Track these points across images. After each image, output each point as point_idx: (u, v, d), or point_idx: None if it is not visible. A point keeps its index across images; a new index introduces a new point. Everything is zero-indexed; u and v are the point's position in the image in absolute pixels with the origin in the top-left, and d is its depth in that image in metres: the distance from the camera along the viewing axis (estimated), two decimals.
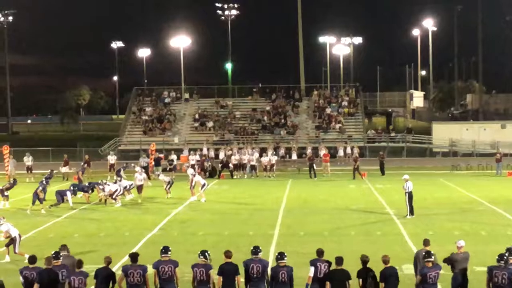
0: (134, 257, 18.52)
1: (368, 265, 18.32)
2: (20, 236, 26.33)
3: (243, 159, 56.46)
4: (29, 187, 46.32)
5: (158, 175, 47.16)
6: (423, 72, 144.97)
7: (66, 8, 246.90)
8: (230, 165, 55.86)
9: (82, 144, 75.10)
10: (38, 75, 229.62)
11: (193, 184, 41.52)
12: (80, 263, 18.31)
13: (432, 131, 74.46)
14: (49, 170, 44.27)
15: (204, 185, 41.24)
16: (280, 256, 18.29)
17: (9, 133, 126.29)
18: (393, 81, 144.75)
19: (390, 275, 18.06)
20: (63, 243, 21.04)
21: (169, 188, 43.17)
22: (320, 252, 18.66)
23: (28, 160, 55.82)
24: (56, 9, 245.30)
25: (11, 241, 26.16)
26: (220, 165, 56.50)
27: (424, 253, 18.62)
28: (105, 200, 40.32)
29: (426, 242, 19.87)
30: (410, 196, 34.15)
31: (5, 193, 39.93)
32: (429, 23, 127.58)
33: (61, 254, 19.09)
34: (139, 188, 42.02)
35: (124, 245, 28.02)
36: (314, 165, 54.68)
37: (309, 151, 59.99)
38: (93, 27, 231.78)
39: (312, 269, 18.31)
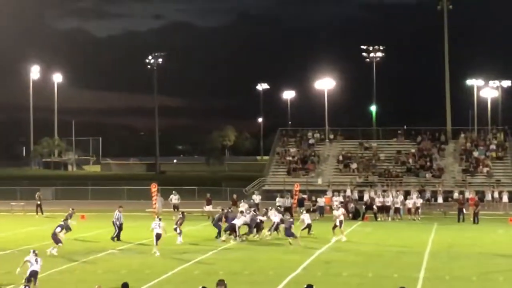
0: None
1: None
2: None
3: (386, 201, 55.83)
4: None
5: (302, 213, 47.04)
6: None
7: (212, 52, 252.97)
8: (374, 207, 55.37)
9: (226, 184, 76.21)
10: (185, 116, 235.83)
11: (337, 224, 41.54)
12: None
13: None
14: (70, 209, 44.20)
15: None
16: None
17: (157, 172, 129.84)
18: None
19: None
20: (208, 280, 21.24)
21: (308, 230, 43.08)
22: None
23: (175, 198, 57.03)
24: (203, 52, 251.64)
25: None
26: (364, 207, 56.07)
27: None
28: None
29: None
30: None
31: (178, 230, 40.69)
32: None
33: None
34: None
35: (268, 283, 28.13)
36: (464, 209, 53.46)
37: (458, 195, 58.85)
38: (239, 69, 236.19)
39: None
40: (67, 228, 39.61)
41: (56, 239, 36.29)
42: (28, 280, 24.45)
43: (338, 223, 41.84)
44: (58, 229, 36.49)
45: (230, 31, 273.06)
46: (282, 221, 41.86)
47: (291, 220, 41.19)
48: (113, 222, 42.06)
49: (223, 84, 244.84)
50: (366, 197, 59.85)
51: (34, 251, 27.33)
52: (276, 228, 42.38)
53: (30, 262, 26.53)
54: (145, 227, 44.29)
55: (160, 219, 38.70)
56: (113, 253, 36.93)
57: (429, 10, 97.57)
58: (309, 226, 43.42)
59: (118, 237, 41.57)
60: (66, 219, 40.05)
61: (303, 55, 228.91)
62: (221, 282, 19.91)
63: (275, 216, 42.86)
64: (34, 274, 26.52)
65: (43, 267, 30.48)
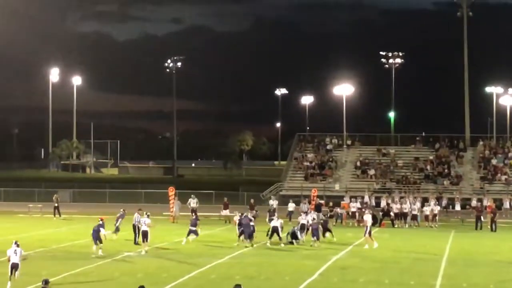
0: None
1: None
2: None
3: (404, 208, 55.64)
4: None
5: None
6: None
7: (231, 56, 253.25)
8: (391, 213, 55.23)
9: (244, 188, 76.25)
10: (203, 120, 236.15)
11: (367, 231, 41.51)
12: None
13: None
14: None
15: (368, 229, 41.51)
16: None
17: (174, 176, 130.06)
18: None
19: None
20: (224, 284, 21.26)
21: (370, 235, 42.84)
22: None
23: (193, 202, 57.06)
24: (221, 56, 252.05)
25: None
26: (381, 213, 55.94)
27: None
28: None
29: None
30: None
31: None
32: None
33: None
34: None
35: None
36: (481, 217, 53.26)
37: (476, 202, 58.65)
38: (258, 74, 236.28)
39: None
40: (116, 229, 40.31)
41: (97, 237, 37.02)
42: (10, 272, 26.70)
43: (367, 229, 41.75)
44: (102, 230, 37.11)
45: (248, 35, 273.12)
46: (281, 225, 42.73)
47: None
48: (133, 226, 41.76)
49: (241, 89, 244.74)
50: (383, 204, 59.66)
51: (15, 242, 28.32)
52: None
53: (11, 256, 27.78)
54: (163, 230, 44.55)
55: (148, 216, 39.59)
56: (130, 256, 37.01)
57: (449, 17, 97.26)
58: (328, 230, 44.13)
59: (135, 240, 41.40)
60: (117, 219, 40.75)
61: (322, 60, 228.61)
62: (238, 287, 19.87)
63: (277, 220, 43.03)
64: (14, 266, 27.79)
65: (58, 271, 30.74)
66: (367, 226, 42.05)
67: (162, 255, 37.74)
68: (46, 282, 21.17)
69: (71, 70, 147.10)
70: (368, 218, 42.48)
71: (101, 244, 36.88)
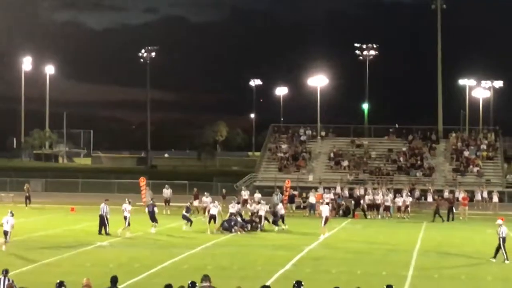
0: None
1: None
2: None
3: (377, 199, 55.87)
4: (167, 219, 47.64)
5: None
6: None
7: (205, 47, 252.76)
8: (362, 203, 55.36)
9: (218, 179, 76.19)
10: (177, 110, 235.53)
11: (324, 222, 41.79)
12: None
13: None
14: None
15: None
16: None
17: (148, 166, 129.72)
18: None
19: None
20: (197, 275, 21.17)
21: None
22: None
23: (167, 192, 57.02)
24: (196, 46, 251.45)
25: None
26: (352, 203, 56.28)
27: None
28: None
29: None
30: (503, 241, 33.40)
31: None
32: None
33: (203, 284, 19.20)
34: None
35: (257, 279, 28.04)
36: (453, 208, 53.61)
37: (448, 194, 59.00)
38: (233, 65, 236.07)
39: None
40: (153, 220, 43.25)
41: (153, 218, 42.61)
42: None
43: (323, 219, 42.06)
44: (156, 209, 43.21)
45: (223, 26, 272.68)
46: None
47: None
48: (100, 216, 41.47)
49: (216, 79, 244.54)
50: (355, 194, 60.05)
51: (10, 212, 35.17)
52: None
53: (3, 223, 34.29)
54: (135, 220, 44.37)
55: (129, 202, 42.46)
56: (102, 246, 36.87)
57: (423, 9, 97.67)
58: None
59: (105, 230, 41.13)
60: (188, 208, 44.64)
61: (297, 51, 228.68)
62: (206, 278, 19.86)
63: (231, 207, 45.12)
64: (5, 233, 34.18)
65: (29, 260, 30.62)
66: (322, 216, 42.35)
67: (134, 245, 37.64)
68: (6, 272, 20.98)
69: (44, 59, 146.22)
70: (324, 208, 42.70)
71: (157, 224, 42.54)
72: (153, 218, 43.30)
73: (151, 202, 45.43)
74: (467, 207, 55.58)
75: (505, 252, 33.43)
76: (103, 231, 40.86)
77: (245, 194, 58.09)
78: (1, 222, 34.80)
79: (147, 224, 43.09)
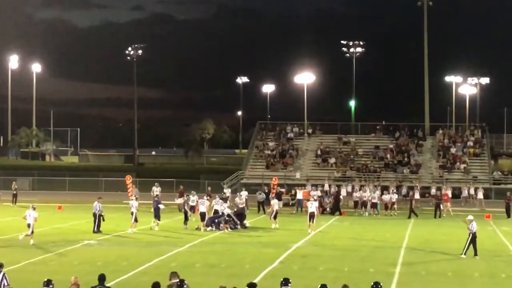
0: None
1: None
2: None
3: (364, 196, 56.00)
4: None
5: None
6: None
7: (192, 44, 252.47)
8: (340, 197, 56.25)
9: (205, 176, 76.15)
10: (164, 108, 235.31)
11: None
12: None
13: None
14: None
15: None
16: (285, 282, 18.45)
17: (135, 164, 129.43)
18: None
19: None
20: (185, 272, 21.23)
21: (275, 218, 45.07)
22: None
23: (156, 190, 57.06)
24: (183, 44, 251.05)
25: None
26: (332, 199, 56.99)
27: None
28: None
29: None
30: (473, 236, 33.86)
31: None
32: None
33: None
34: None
35: (245, 277, 28.09)
36: (441, 205, 53.79)
37: (435, 191, 59.23)
38: (220, 62, 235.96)
39: None
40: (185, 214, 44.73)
41: (157, 214, 43.83)
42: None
43: (308, 216, 42.49)
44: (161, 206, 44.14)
45: (210, 23, 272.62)
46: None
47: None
48: (94, 214, 41.68)
49: (202, 77, 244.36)
50: (344, 192, 60.24)
51: (32, 206, 37.55)
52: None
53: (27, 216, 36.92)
54: (123, 219, 44.37)
55: (136, 198, 43.92)
56: (90, 245, 36.84)
57: (409, 6, 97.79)
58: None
59: (98, 228, 41.30)
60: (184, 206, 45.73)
61: (284, 49, 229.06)
62: (174, 274, 19.98)
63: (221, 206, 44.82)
64: (28, 226, 36.57)
65: (16, 259, 30.56)
66: (273, 210, 44.80)
67: (122, 243, 37.63)
68: (1, 265, 20.92)
69: (31, 57, 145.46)
70: (310, 205, 43.03)
71: (158, 221, 43.29)
72: (156, 215, 43.90)
73: (156, 199, 46.52)
74: (449, 204, 55.87)
75: (467, 248, 33.95)
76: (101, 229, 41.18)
77: (227, 192, 58.37)
78: (24, 215, 37.12)
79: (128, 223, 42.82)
